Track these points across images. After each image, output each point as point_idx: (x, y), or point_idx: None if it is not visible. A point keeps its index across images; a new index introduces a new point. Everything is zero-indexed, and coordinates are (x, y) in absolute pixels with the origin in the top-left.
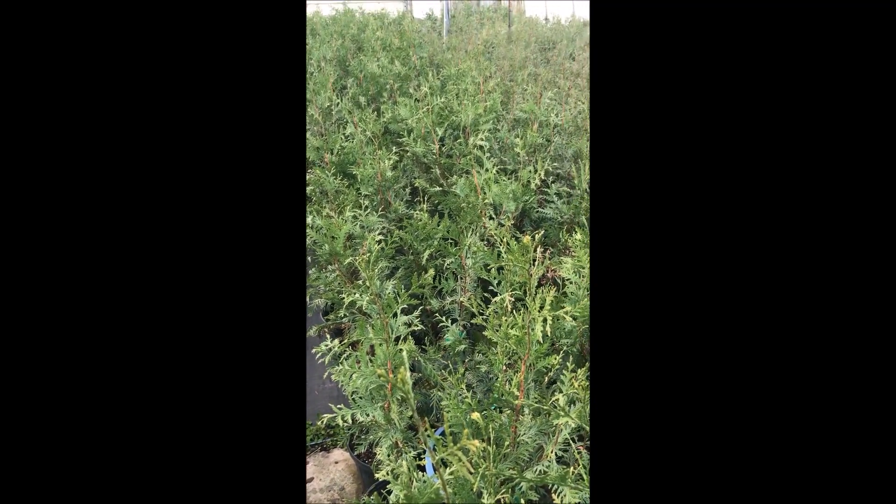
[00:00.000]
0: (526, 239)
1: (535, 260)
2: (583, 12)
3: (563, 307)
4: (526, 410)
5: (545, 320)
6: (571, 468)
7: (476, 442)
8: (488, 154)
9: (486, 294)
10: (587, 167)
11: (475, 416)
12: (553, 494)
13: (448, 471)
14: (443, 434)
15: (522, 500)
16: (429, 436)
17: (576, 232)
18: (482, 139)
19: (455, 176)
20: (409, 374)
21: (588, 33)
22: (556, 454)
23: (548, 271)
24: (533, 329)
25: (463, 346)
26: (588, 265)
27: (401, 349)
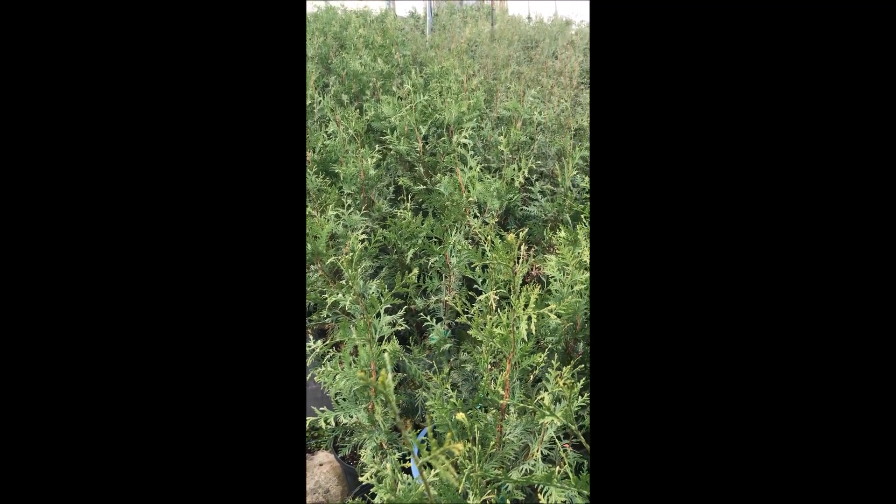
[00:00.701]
0: (510, 237)
1: (519, 258)
2: (565, 11)
3: (548, 305)
4: (511, 409)
5: (530, 318)
6: (557, 467)
7: (460, 445)
8: (472, 152)
9: (470, 293)
10: (571, 165)
11: (460, 415)
12: (539, 494)
13: (433, 473)
14: (427, 434)
15: (508, 501)
16: (411, 439)
17: (560, 230)
18: (466, 137)
19: (439, 174)
20: (390, 376)
21: (570, 32)
22: (541, 453)
23: (532, 269)
24: (518, 327)
25: (448, 346)
26: (572, 262)
27: (384, 350)
